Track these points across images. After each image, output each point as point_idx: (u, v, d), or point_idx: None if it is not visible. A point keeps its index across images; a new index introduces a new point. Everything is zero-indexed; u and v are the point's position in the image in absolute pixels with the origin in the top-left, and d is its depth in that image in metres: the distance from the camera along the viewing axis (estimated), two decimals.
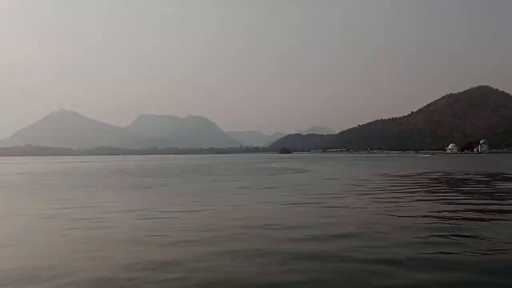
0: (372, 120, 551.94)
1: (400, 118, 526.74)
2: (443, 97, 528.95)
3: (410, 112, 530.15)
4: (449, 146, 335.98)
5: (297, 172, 59.34)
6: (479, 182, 36.71)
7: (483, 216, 17.51)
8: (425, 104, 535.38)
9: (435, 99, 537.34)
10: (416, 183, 36.54)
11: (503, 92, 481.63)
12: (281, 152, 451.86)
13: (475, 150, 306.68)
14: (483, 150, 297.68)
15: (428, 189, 30.52)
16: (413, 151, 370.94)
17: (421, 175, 48.51)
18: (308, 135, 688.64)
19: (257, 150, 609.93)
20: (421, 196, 25.60)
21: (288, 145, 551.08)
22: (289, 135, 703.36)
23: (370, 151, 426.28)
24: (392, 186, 33.34)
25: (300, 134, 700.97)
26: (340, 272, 9.72)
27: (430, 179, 41.50)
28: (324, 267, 10.14)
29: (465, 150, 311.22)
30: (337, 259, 10.76)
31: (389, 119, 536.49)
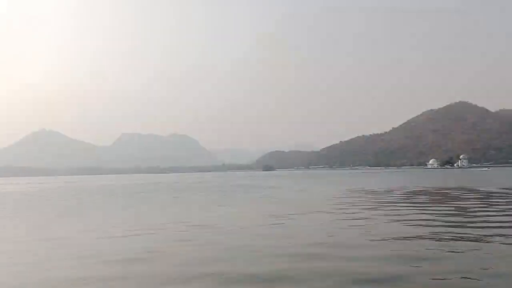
0: (354, 137, 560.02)
1: (381, 134, 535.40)
2: (423, 113, 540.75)
3: (391, 128, 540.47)
4: (430, 161, 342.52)
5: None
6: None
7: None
8: (405, 120, 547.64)
9: (415, 115, 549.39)
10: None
11: (482, 108, 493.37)
12: (264, 170, 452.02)
13: (455, 165, 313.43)
14: (463, 165, 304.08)
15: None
16: (395, 167, 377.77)
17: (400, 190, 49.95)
18: (291, 151, 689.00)
19: (240, 167, 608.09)
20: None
21: (271, 162, 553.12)
22: (272, 152, 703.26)
23: (352, 167, 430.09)
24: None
25: (283, 151, 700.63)
26: None
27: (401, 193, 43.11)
28: None
29: (445, 165, 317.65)
30: None
31: (370, 135, 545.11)
